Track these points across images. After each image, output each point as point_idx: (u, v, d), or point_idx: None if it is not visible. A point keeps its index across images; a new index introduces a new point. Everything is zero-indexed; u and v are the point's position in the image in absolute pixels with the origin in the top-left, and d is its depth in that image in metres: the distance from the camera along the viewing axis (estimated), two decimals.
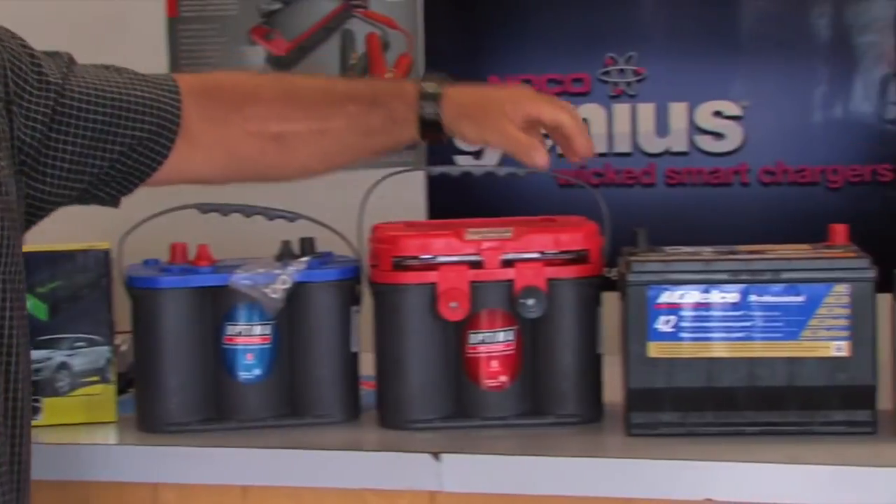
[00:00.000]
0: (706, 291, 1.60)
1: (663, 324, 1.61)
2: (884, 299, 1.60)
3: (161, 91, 1.54)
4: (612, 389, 1.69)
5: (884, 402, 1.61)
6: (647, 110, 3.23)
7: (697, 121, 3.18)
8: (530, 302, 1.66)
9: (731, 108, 3.17)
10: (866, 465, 1.52)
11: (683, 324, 1.60)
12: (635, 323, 1.61)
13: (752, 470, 1.54)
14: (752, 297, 1.60)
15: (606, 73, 3.27)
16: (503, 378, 1.68)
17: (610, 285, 1.68)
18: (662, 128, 3.22)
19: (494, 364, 1.68)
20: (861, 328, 1.59)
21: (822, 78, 3.15)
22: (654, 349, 1.61)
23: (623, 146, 3.25)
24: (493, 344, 1.68)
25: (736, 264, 1.61)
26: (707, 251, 1.67)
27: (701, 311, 1.60)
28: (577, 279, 1.68)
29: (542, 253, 1.68)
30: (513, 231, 1.69)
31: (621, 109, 3.24)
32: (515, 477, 1.58)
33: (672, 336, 1.61)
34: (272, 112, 1.58)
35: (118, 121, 1.50)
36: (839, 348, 1.59)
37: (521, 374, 1.69)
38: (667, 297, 1.61)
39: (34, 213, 1.48)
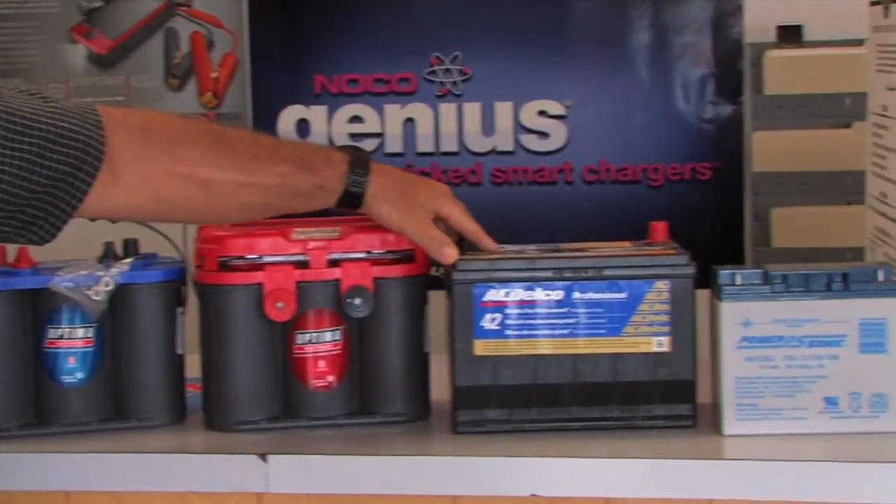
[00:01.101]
0: (531, 289, 1.62)
1: (489, 322, 1.62)
2: (703, 295, 1.63)
3: (86, 123, 1.52)
4: (440, 387, 1.70)
5: (703, 395, 1.64)
6: (473, 110, 3.25)
7: (522, 120, 3.21)
8: (357, 301, 1.66)
9: (555, 107, 3.21)
10: (687, 458, 1.55)
11: (509, 321, 1.62)
12: (461, 321, 1.62)
13: (577, 465, 1.56)
14: (576, 295, 1.62)
15: (433, 72, 3.28)
16: (330, 378, 1.68)
17: (436, 284, 1.69)
18: (488, 127, 3.24)
19: (322, 364, 1.68)
20: (681, 324, 1.62)
21: (642, 78, 3.20)
22: (480, 347, 1.62)
23: (450, 145, 3.27)
24: (320, 344, 1.68)
25: (560, 262, 1.63)
26: (531, 249, 1.69)
27: (526, 309, 1.62)
28: (403, 278, 1.69)
29: (368, 252, 1.69)
30: (339, 231, 1.69)
31: (447, 109, 3.25)
32: (343, 477, 1.58)
33: (498, 334, 1.62)
34: (203, 157, 1.58)
35: (45, 152, 1.48)
36: (660, 344, 1.62)
37: (349, 373, 1.69)
38: (492, 295, 1.62)
39: None
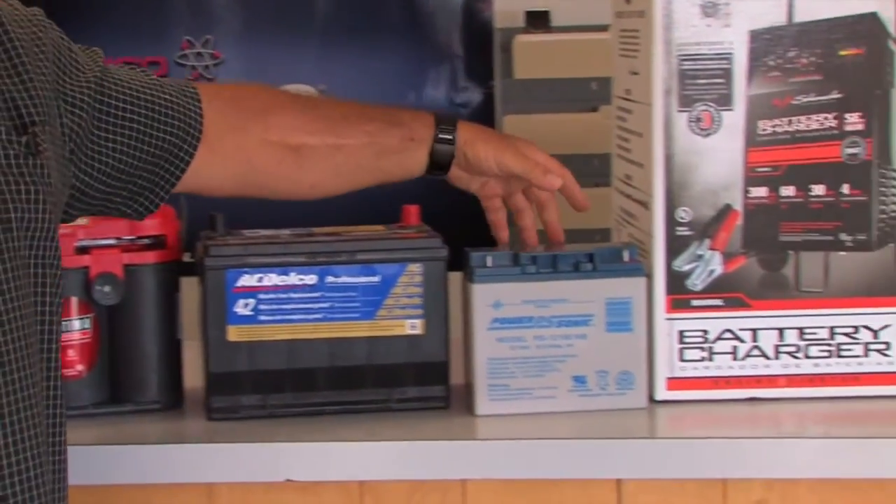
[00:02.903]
0: (284, 274, 1.62)
1: (242, 307, 1.61)
2: (455, 277, 1.65)
3: (184, 97, 1.55)
4: (194, 375, 1.68)
5: (456, 377, 1.66)
6: None
7: None
8: (106, 289, 1.64)
9: (308, 91, 3.20)
10: (439, 440, 1.57)
11: (262, 307, 1.62)
12: (214, 307, 1.61)
13: (332, 449, 1.56)
14: (329, 279, 1.62)
15: (184, 56, 3.25)
16: (80, 367, 1.65)
17: (189, 270, 1.67)
18: None
19: (71, 353, 1.65)
20: (434, 306, 1.64)
21: (395, 62, 3.22)
22: (234, 333, 1.61)
23: None
24: (68, 333, 1.64)
25: (313, 246, 1.63)
26: (285, 234, 1.68)
27: (280, 294, 1.62)
28: (154, 264, 1.67)
29: (118, 239, 1.66)
30: (88, 217, 1.66)
31: None
32: (94, 467, 1.56)
33: (251, 319, 1.61)
34: (294, 123, 1.61)
35: (152, 122, 1.51)
36: (413, 326, 1.64)
37: (99, 362, 1.66)
38: (245, 280, 1.61)
39: (74, 206, 1.48)
